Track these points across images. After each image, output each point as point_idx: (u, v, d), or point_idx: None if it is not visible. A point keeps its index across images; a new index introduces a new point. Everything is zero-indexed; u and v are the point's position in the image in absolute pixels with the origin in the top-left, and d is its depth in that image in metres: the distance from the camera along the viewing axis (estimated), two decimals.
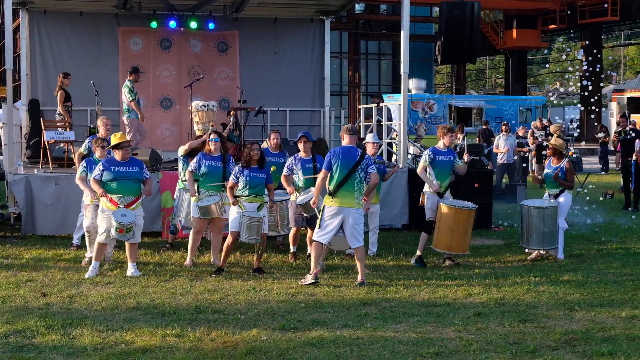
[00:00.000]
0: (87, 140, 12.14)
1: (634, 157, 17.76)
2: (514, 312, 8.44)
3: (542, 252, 11.75)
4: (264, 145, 12.61)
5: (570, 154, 14.45)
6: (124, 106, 14.72)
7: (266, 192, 10.66)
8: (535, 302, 8.97)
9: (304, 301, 8.93)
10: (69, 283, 9.78)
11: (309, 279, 9.77)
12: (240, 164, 10.59)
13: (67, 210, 12.74)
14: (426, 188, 11.29)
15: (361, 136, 15.00)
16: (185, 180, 11.34)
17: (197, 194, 10.94)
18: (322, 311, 8.47)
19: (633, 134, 18.47)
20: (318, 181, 10.09)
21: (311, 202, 10.31)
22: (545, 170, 11.91)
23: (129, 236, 10.11)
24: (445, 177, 11.23)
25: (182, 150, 11.94)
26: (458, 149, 19.39)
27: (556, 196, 11.73)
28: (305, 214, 10.96)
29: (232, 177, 10.52)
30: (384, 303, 8.87)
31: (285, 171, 11.25)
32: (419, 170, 11.41)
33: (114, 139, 10.37)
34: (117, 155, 10.30)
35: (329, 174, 9.82)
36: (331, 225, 9.81)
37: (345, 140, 10.12)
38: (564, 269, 10.95)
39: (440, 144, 11.36)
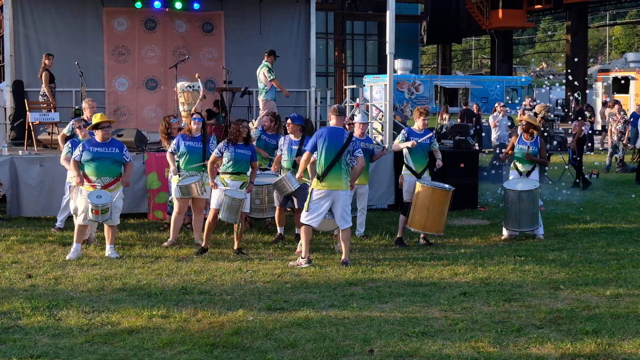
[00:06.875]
0: (70, 122, 12.07)
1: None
2: (500, 292, 8.48)
3: (517, 233, 11.81)
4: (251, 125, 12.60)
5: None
6: (261, 86, 14.93)
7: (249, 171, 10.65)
8: (520, 281, 9.02)
9: (290, 282, 8.94)
10: (54, 264, 9.76)
11: (302, 262, 9.74)
12: (226, 139, 10.55)
13: (53, 192, 12.66)
14: (404, 170, 11.30)
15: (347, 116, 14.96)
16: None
17: (178, 173, 10.91)
18: (309, 291, 8.49)
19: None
20: (301, 162, 10.07)
21: (297, 175, 10.29)
22: (519, 146, 11.92)
23: (106, 217, 10.05)
24: (421, 159, 11.21)
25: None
26: (444, 130, 19.48)
27: (528, 173, 11.82)
28: (279, 194, 10.98)
29: (215, 150, 10.45)
30: (370, 283, 8.90)
31: (277, 151, 11.30)
32: (393, 146, 11.45)
33: (95, 119, 10.32)
34: (97, 135, 10.25)
35: (311, 156, 9.83)
36: (320, 208, 9.79)
37: (332, 121, 10.07)
38: (549, 248, 11.00)
39: (415, 126, 11.39)
